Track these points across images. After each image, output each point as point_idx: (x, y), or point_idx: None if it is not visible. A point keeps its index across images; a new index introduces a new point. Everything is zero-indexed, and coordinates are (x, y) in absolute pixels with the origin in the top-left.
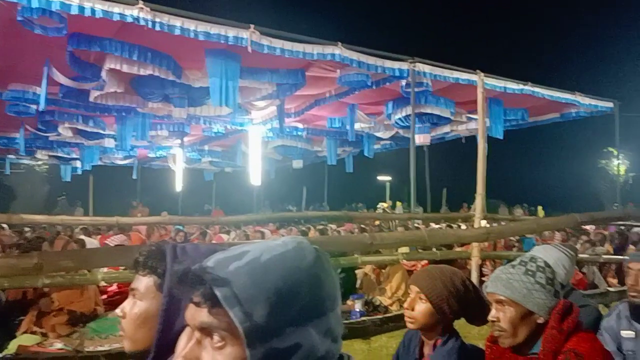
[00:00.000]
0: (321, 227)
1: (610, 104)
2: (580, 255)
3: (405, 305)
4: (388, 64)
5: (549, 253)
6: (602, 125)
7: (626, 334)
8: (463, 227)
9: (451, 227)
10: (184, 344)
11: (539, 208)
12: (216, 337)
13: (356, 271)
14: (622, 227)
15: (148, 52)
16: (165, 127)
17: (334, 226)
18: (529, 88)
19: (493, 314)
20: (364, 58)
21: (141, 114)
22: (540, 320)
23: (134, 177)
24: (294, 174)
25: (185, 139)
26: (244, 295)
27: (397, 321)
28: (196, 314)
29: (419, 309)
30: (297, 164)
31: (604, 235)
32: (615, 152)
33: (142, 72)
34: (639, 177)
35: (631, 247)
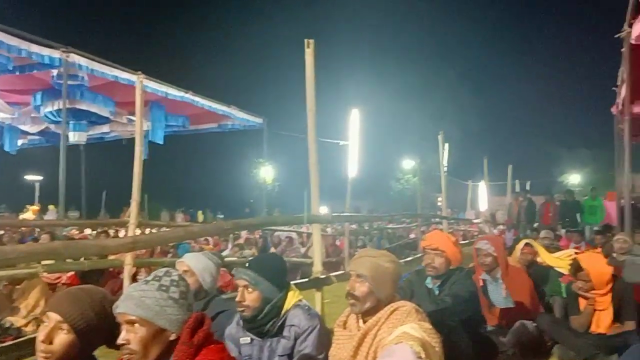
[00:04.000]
0: None
1: (260, 120)
2: (231, 259)
3: (41, 337)
4: (35, 48)
5: (198, 261)
6: (254, 138)
7: (243, 340)
8: (122, 233)
9: (108, 233)
10: None
11: (199, 213)
12: None
13: None
14: (267, 232)
15: None
16: None
17: None
18: (189, 96)
19: (123, 336)
20: (4, 37)
21: None
22: (173, 337)
23: None
24: None
25: None
26: None
27: (33, 345)
28: None
29: (60, 341)
30: None
31: (251, 239)
32: (264, 163)
33: None
34: (283, 186)
35: (272, 248)
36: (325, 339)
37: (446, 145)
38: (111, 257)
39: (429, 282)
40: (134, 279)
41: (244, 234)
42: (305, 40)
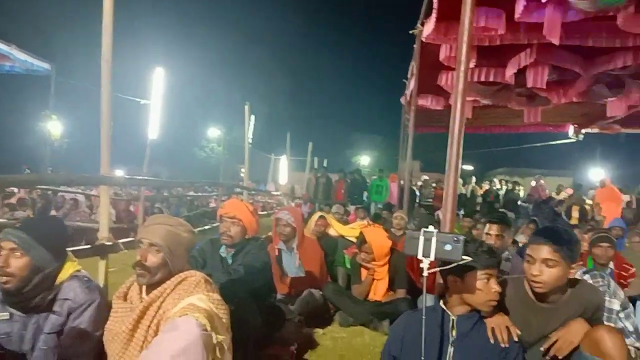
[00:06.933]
0: None
1: (47, 65)
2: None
3: None
4: None
5: None
6: (40, 86)
7: (1, 315)
8: None
9: None
10: None
11: None
12: None
13: None
14: (49, 192)
15: None
16: None
17: None
18: None
19: None
20: None
21: None
22: None
23: None
24: None
25: None
26: None
27: None
28: None
29: None
30: None
31: (26, 200)
32: (51, 116)
33: None
34: (73, 142)
35: (54, 210)
36: (105, 314)
37: (252, 117)
38: None
39: (223, 251)
40: None
41: (17, 193)
42: None
